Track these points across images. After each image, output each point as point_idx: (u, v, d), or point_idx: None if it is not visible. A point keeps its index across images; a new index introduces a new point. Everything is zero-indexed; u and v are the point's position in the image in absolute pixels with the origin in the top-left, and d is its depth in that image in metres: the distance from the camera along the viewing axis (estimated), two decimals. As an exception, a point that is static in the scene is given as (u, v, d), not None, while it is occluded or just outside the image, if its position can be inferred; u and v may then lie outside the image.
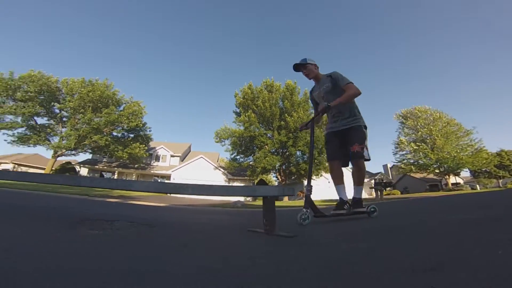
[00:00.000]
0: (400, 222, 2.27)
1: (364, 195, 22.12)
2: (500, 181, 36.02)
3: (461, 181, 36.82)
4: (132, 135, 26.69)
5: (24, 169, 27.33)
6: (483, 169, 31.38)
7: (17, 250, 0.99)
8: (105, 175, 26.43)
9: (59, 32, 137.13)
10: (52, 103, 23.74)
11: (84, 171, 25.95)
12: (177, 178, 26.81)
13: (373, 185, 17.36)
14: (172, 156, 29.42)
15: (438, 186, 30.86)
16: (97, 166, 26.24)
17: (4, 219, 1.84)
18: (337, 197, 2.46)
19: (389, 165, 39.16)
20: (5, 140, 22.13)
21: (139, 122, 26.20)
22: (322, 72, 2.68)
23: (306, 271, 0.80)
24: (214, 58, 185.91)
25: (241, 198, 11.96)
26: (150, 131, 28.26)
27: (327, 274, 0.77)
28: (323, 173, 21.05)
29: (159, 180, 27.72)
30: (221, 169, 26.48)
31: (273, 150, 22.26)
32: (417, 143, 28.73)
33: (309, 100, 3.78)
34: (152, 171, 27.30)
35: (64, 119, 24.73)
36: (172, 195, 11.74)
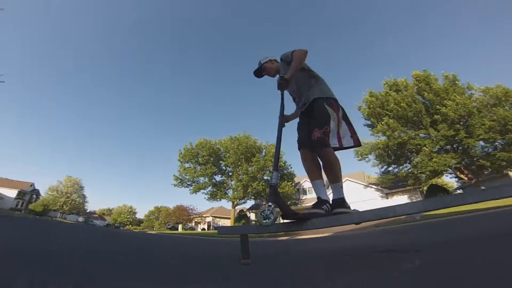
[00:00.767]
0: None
1: None
2: None
3: None
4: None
5: (217, 219, 37.41)
6: None
7: None
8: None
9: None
10: (220, 162, 31.65)
11: (252, 216, 31.95)
12: (327, 207, 27.53)
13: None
14: (315, 187, 31.10)
15: None
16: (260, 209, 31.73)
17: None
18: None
19: None
20: (204, 198, 30.65)
21: (281, 162, 30.43)
22: None
23: None
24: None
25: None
26: (291, 168, 31.99)
27: None
28: None
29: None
30: (373, 186, 24.97)
31: (436, 150, 19.03)
32: None
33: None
34: (303, 205, 29.65)
35: (229, 173, 32.47)
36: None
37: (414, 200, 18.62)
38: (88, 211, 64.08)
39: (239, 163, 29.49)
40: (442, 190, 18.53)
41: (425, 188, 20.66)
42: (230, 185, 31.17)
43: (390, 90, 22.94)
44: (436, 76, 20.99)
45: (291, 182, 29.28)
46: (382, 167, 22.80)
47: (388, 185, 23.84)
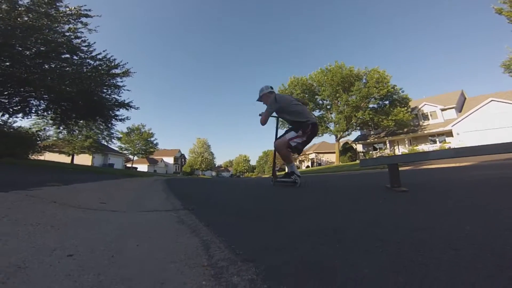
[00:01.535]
0: None
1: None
2: None
3: None
4: (387, 102, 27.17)
5: (320, 155, 39.19)
6: None
7: None
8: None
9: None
10: (315, 97, 31.01)
11: (359, 147, 30.93)
12: (461, 132, 22.40)
13: None
14: (442, 110, 25.39)
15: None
16: (368, 140, 30.02)
17: None
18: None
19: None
20: None
21: (389, 87, 25.99)
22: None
23: None
24: None
25: None
26: (402, 91, 27.06)
27: None
28: None
29: (437, 140, 25.12)
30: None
31: None
32: None
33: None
34: (425, 132, 25.43)
35: (328, 107, 31.46)
36: None
37: None
38: (216, 166, 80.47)
39: (337, 94, 27.94)
40: None
41: None
42: (330, 118, 30.54)
43: None
44: None
45: (405, 108, 25.08)
46: None
47: None
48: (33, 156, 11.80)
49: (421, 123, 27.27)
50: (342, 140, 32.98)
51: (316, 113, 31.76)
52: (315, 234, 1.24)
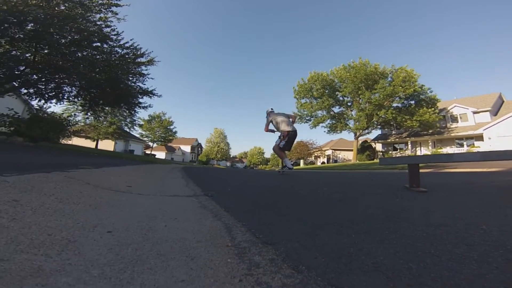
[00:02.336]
0: None
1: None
2: None
3: None
4: (412, 102, 25.86)
5: (337, 152, 38.42)
6: None
7: None
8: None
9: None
10: (336, 93, 29.86)
11: (378, 146, 29.94)
12: (493, 137, 20.94)
13: None
14: (475, 112, 23.78)
15: None
16: (388, 140, 28.94)
17: None
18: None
19: None
20: (324, 131, 31.22)
21: (416, 87, 24.62)
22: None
23: None
24: None
25: None
26: (431, 91, 25.61)
27: None
28: None
29: (464, 143, 23.67)
30: None
31: None
32: None
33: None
34: (452, 134, 24.04)
35: (349, 103, 30.34)
36: None
37: None
38: (231, 156, 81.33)
39: (359, 91, 27.01)
40: None
41: None
42: (350, 115, 29.65)
43: None
44: None
45: (432, 109, 23.74)
46: None
47: None
48: (63, 140, 12.65)
49: (448, 125, 25.72)
50: (361, 138, 31.91)
51: (336, 109, 30.95)
52: (331, 225, 1.33)
